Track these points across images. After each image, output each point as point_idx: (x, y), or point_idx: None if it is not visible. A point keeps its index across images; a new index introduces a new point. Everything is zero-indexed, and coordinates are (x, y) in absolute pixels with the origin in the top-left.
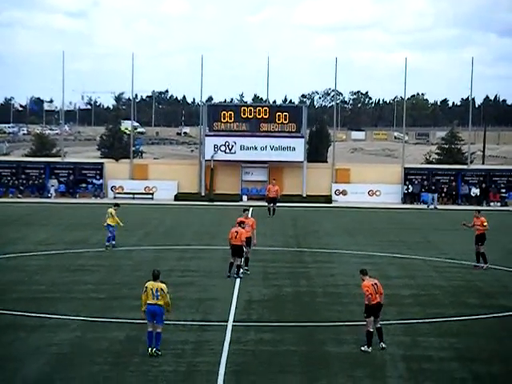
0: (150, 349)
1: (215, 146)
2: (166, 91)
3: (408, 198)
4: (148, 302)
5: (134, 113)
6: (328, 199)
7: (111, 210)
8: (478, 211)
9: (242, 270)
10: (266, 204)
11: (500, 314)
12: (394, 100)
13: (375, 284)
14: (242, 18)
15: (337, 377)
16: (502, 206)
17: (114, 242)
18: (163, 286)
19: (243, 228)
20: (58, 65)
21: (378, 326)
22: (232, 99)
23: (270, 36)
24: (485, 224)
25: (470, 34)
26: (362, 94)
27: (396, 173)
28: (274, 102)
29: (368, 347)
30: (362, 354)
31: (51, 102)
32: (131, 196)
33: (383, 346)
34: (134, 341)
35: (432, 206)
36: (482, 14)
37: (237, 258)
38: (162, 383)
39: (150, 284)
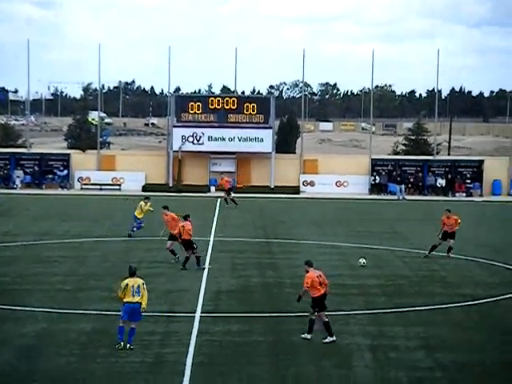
0: (121, 343)
1: (183, 137)
2: (133, 82)
3: (375, 188)
4: (128, 300)
5: (102, 103)
6: (296, 190)
7: (142, 202)
8: (449, 210)
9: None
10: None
11: (464, 304)
12: (361, 91)
13: (320, 276)
14: (211, 9)
15: (304, 367)
16: (467, 196)
17: (132, 232)
18: (141, 281)
19: (189, 221)
20: (25, 54)
21: (313, 317)
22: (200, 90)
23: (239, 27)
24: (459, 222)
25: (438, 25)
26: (330, 85)
27: (363, 164)
28: (243, 92)
29: (331, 337)
30: (329, 345)
31: (16, 92)
32: (98, 187)
33: (333, 339)
34: (101, 332)
35: (401, 197)
36: (451, 6)
37: (188, 250)
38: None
39: (130, 281)
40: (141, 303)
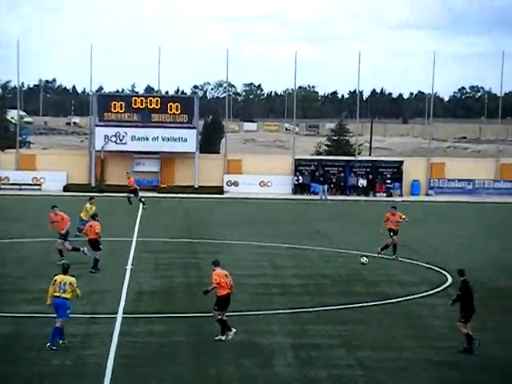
0: (60, 341)
1: (106, 137)
2: (54, 80)
3: (298, 188)
4: (54, 294)
5: (21, 102)
6: (220, 190)
7: (87, 204)
8: (395, 207)
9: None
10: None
11: (383, 302)
12: (285, 92)
13: (226, 275)
14: (134, 8)
15: (226, 366)
16: (387, 196)
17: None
18: (73, 279)
19: (97, 220)
20: None
21: (225, 318)
22: (123, 89)
23: (163, 26)
24: (403, 217)
25: (360, 28)
26: (254, 85)
27: (287, 164)
28: (167, 92)
29: (222, 335)
30: (251, 344)
31: None
32: (18, 187)
33: (222, 338)
34: (20, 335)
35: (324, 197)
36: (372, 9)
37: (95, 251)
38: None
39: (58, 277)
40: (66, 299)
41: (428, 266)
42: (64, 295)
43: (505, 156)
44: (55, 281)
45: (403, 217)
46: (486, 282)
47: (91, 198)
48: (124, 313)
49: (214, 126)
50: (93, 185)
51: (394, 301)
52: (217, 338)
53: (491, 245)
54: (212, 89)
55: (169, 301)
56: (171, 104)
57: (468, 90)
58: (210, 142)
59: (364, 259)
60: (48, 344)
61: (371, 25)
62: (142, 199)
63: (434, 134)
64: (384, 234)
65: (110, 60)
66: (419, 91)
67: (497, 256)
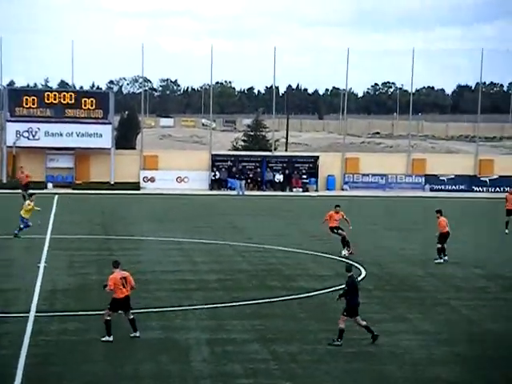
0: None
1: (17, 132)
2: None
3: (215, 184)
4: None
5: None
6: (136, 186)
7: (27, 201)
8: (338, 206)
9: None
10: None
11: (300, 296)
12: (202, 87)
13: (123, 278)
14: (46, 0)
15: (142, 363)
16: (303, 191)
17: (16, 232)
18: None
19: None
20: None
21: (131, 317)
22: (36, 84)
23: (77, 20)
24: (345, 217)
25: (276, 24)
26: (171, 81)
27: (204, 159)
28: (81, 87)
29: (108, 336)
30: (167, 340)
31: None
32: None
33: (137, 335)
34: None
35: (241, 193)
36: (287, 6)
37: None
38: None
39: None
40: None
41: (342, 259)
42: None
43: (416, 151)
44: None
45: (345, 216)
46: (398, 274)
47: (31, 194)
48: (37, 311)
49: (130, 121)
50: (4, 181)
51: (309, 294)
52: (132, 335)
53: (401, 237)
54: (128, 84)
55: (83, 298)
56: (86, 99)
57: (381, 87)
58: (125, 138)
59: (344, 252)
60: None
61: (286, 21)
62: (27, 196)
63: (348, 129)
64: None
65: (21, 53)
66: (334, 87)
67: (403, 248)
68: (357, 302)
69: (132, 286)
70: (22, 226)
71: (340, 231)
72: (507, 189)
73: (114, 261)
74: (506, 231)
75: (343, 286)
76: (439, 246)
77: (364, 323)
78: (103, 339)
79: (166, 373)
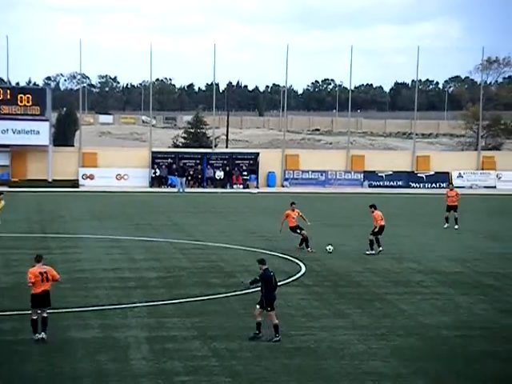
0: None
1: None
2: None
3: (156, 181)
4: None
5: None
6: (75, 184)
7: None
8: (294, 203)
9: None
10: None
11: (240, 292)
12: (141, 84)
13: (43, 272)
14: None
15: (80, 362)
16: (244, 188)
17: None
18: None
19: None
20: None
21: (45, 315)
22: None
23: (13, 15)
24: (301, 214)
25: (216, 21)
26: (110, 77)
27: (144, 157)
28: (17, 84)
29: (34, 334)
30: (106, 339)
31: None
32: None
33: (43, 336)
34: None
35: (181, 190)
36: (226, 1)
37: None
38: None
39: None
40: None
41: (283, 255)
42: None
43: (355, 148)
44: None
45: (301, 214)
46: (337, 269)
47: (0, 193)
48: None
49: (68, 118)
50: None
51: (249, 291)
52: (38, 336)
53: (341, 233)
54: (65, 80)
55: (20, 298)
56: (22, 96)
57: (321, 84)
58: (64, 135)
59: (329, 247)
60: None
61: (226, 18)
62: None
63: (288, 126)
64: (282, 231)
65: None
66: (274, 84)
67: (343, 244)
68: (272, 296)
69: (55, 280)
70: None
71: (302, 231)
72: (443, 185)
73: (36, 255)
74: (446, 226)
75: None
76: (371, 237)
77: (276, 322)
78: (34, 337)
79: (104, 371)
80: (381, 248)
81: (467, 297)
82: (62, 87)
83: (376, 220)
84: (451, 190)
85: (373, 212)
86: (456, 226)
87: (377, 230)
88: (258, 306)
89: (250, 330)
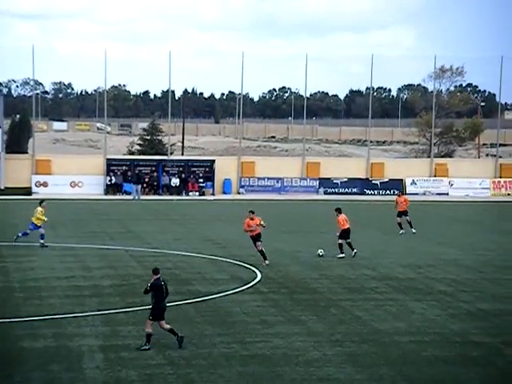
0: None
1: None
2: None
3: (111, 188)
4: None
5: None
6: (28, 191)
7: (39, 208)
8: (252, 212)
9: None
10: None
11: (195, 300)
12: (96, 91)
13: None
14: None
15: (32, 373)
16: (200, 195)
17: (41, 241)
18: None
19: None
20: None
21: None
22: None
23: None
24: (262, 223)
25: (172, 27)
26: (64, 84)
27: (98, 164)
28: None
29: None
30: (59, 348)
31: None
32: None
33: None
34: None
35: (136, 197)
36: (184, 10)
37: None
38: None
39: None
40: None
41: (238, 263)
42: None
43: (310, 155)
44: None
45: (262, 223)
46: (292, 276)
47: (42, 201)
48: None
49: (21, 125)
50: None
51: (205, 298)
52: None
53: (296, 240)
54: (17, 86)
55: None
56: None
57: (277, 92)
58: (17, 142)
59: (320, 251)
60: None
61: (183, 25)
62: None
63: (244, 133)
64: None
65: None
66: (230, 91)
67: (298, 250)
68: (162, 305)
69: None
70: (27, 232)
71: (257, 243)
72: (397, 191)
73: None
74: (401, 232)
75: (245, 287)
76: (340, 241)
77: (168, 326)
78: None
79: (57, 381)
80: (355, 250)
81: (420, 303)
82: (14, 93)
83: (340, 224)
84: (399, 196)
85: (337, 216)
86: (413, 230)
87: (342, 233)
88: (150, 318)
89: (205, 337)
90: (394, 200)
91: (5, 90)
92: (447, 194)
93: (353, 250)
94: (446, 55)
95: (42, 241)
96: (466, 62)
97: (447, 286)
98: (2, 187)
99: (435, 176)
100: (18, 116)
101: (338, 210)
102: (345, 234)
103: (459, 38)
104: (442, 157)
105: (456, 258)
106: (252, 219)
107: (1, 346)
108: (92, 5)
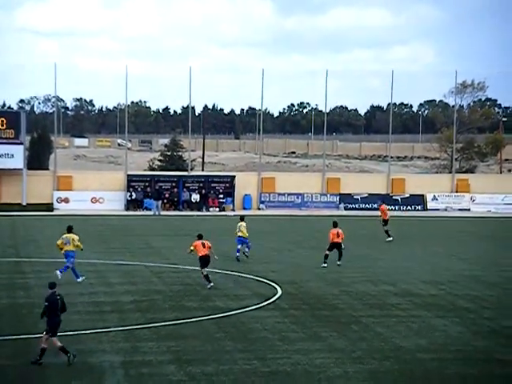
0: None
1: None
2: None
3: (131, 204)
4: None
5: None
6: (49, 207)
7: (74, 236)
8: (201, 236)
9: None
10: None
11: (216, 316)
12: (117, 107)
13: None
14: None
15: None
16: (220, 211)
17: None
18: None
19: None
20: None
21: None
22: None
23: None
24: (211, 248)
25: (192, 44)
26: (85, 100)
27: (119, 180)
28: None
29: None
30: (81, 364)
31: None
32: None
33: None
34: None
35: (157, 213)
36: (204, 27)
37: None
38: None
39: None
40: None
41: (259, 279)
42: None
43: (330, 170)
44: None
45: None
46: (313, 292)
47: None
48: None
49: (43, 141)
50: None
51: (226, 314)
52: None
53: (317, 256)
54: (39, 103)
55: None
56: None
57: (296, 107)
58: (38, 159)
59: (325, 265)
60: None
61: (204, 41)
62: None
63: (264, 149)
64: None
65: None
66: (250, 107)
67: (318, 266)
68: (57, 320)
69: None
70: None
71: (204, 269)
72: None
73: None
74: (389, 239)
75: (266, 303)
76: (327, 252)
77: (59, 345)
78: None
79: None
80: (339, 262)
81: (443, 319)
82: (36, 110)
83: (330, 237)
84: (381, 205)
85: (331, 230)
86: (390, 239)
87: (331, 245)
88: (45, 332)
89: (226, 353)
90: (380, 209)
91: (27, 107)
92: (469, 209)
93: (339, 260)
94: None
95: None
96: (487, 76)
97: (470, 302)
98: (24, 203)
99: (457, 192)
100: (38, 132)
101: (334, 224)
102: (331, 246)
103: (480, 52)
104: (464, 172)
105: (478, 274)
106: (203, 245)
107: (22, 362)
108: (114, 22)
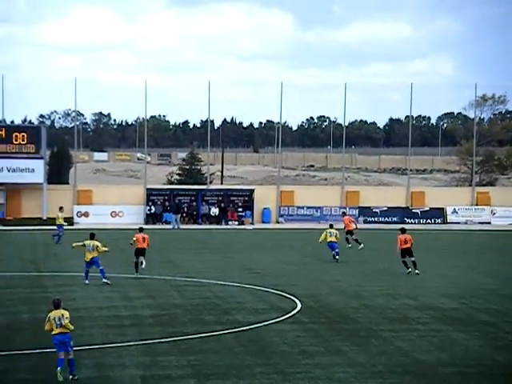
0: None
1: None
2: None
3: (151, 218)
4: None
5: None
6: (70, 221)
7: (97, 243)
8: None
9: None
10: None
11: (235, 330)
12: (136, 121)
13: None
14: None
15: None
16: (239, 224)
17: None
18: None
19: None
20: None
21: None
22: None
23: (7, 55)
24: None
25: (210, 58)
26: (104, 114)
27: (139, 193)
28: (12, 122)
29: None
30: (101, 379)
31: None
32: None
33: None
34: None
35: (176, 226)
36: (223, 40)
37: None
38: None
39: (52, 313)
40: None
41: (278, 292)
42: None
43: (349, 183)
44: (49, 317)
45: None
46: (333, 306)
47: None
48: None
49: (63, 156)
50: None
51: (245, 328)
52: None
53: (336, 269)
54: (59, 118)
55: (13, 337)
56: (17, 134)
57: (315, 120)
58: (58, 173)
59: (409, 270)
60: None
61: (222, 55)
62: None
63: (283, 162)
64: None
65: None
66: (268, 120)
67: (338, 280)
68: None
69: None
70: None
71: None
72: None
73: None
74: (360, 246)
75: (285, 317)
76: (402, 259)
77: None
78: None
79: None
80: (417, 271)
81: (463, 333)
82: (56, 125)
83: (398, 243)
84: (343, 216)
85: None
86: (349, 246)
87: (401, 253)
88: None
89: (246, 368)
90: (348, 221)
91: (47, 122)
92: (489, 222)
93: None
94: (487, 83)
95: (87, 281)
96: (507, 89)
97: (490, 316)
98: (45, 218)
99: (477, 205)
100: (58, 147)
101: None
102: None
103: (499, 65)
104: (484, 185)
105: (498, 287)
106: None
107: (45, 377)
108: (134, 37)
